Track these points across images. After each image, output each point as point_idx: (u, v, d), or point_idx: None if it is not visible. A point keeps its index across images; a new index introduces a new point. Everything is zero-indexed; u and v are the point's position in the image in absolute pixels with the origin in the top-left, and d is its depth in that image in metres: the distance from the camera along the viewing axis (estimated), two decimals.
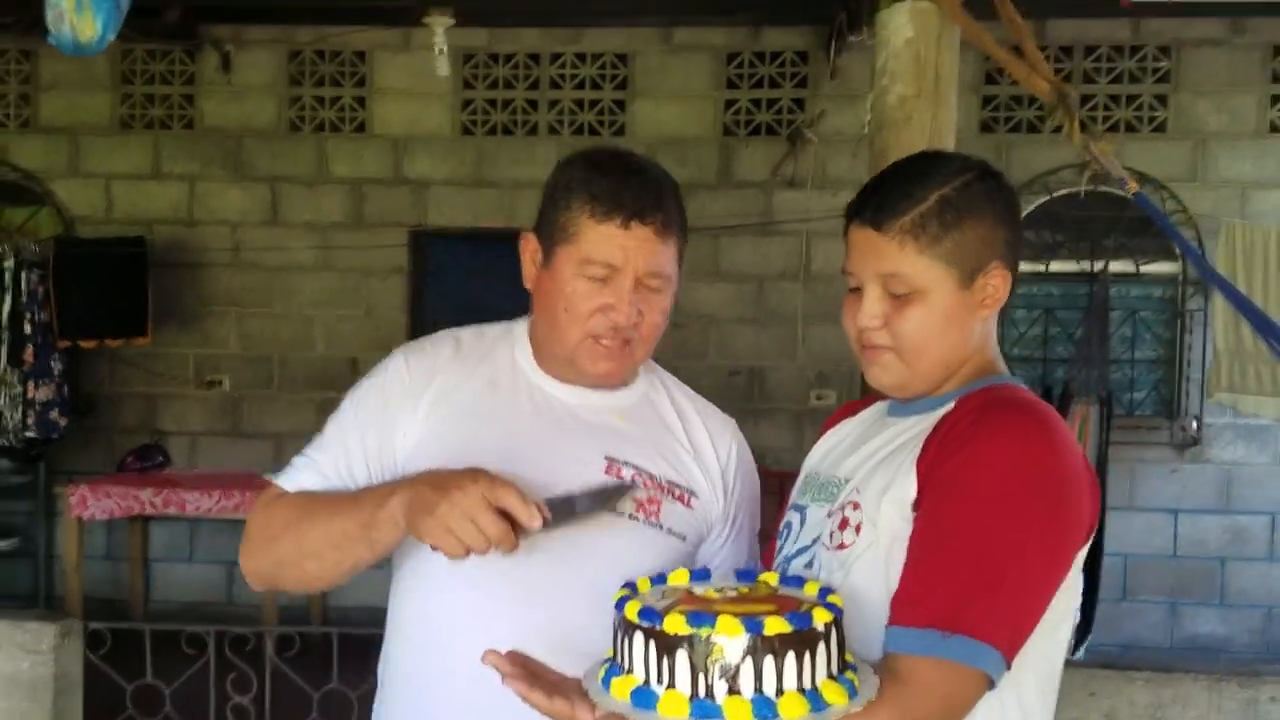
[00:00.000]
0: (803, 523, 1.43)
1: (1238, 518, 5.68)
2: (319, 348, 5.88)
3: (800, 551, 1.41)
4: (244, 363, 5.91)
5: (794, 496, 1.51)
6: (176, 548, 5.91)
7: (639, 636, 1.11)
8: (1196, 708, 2.75)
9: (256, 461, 5.66)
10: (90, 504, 5.14)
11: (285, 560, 1.46)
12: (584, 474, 1.45)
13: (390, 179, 5.84)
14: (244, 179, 5.87)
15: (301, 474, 1.50)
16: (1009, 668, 1.20)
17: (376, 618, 1.59)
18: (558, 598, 1.42)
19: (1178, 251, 5.67)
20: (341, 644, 3.02)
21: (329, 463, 1.50)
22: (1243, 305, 3.32)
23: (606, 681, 1.15)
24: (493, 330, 1.60)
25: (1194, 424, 5.64)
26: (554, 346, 1.50)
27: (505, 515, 1.26)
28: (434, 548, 1.28)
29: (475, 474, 1.28)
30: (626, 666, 1.13)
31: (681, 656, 1.08)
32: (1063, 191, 5.57)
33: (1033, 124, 5.61)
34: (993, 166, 1.37)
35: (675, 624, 1.08)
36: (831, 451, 1.50)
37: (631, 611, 1.13)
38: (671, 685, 1.08)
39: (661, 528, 1.49)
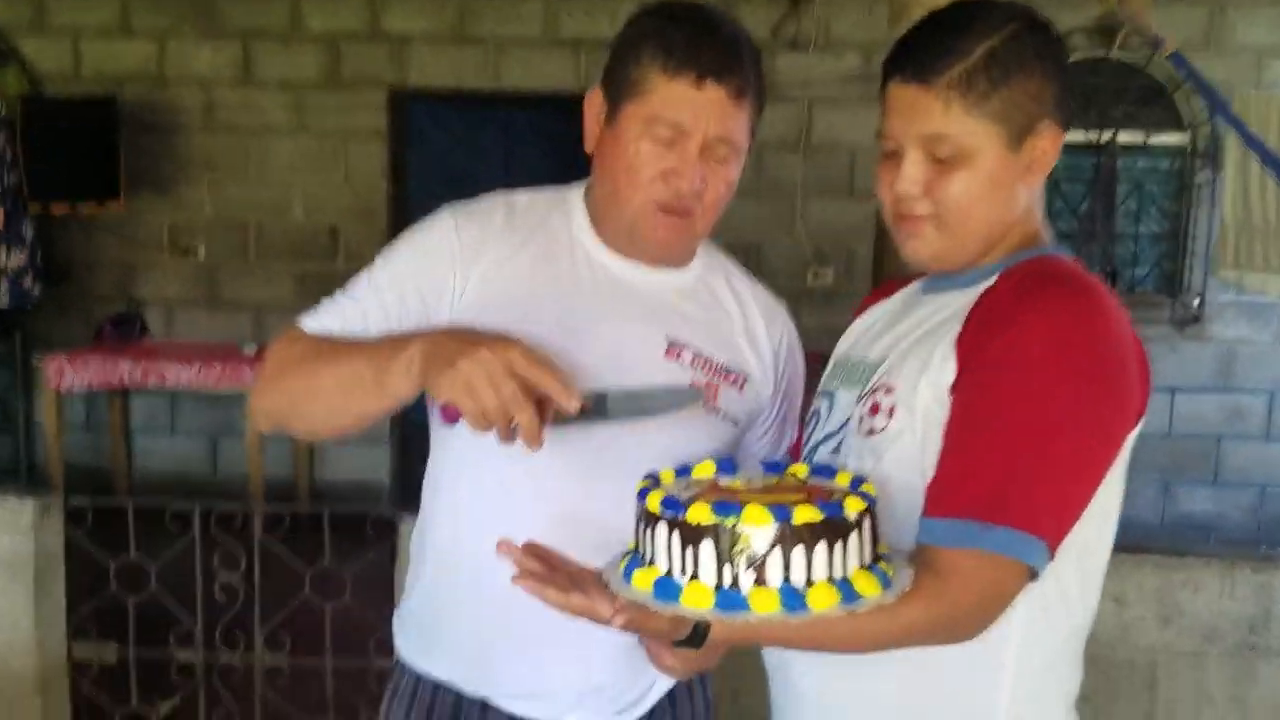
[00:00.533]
0: (831, 408, 1.37)
1: (1236, 396, 5.65)
2: (297, 215, 5.69)
3: (828, 438, 1.35)
4: (220, 230, 5.72)
5: (823, 383, 1.44)
6: (158, 420, 5.82)
7: (661, 527, 1.08)
8: (1207, 592, 2.70)
9: (234, 333, 5.56)
10: (68, 375, 5.06)
11: (295, 399, 1.39)
12: (645, 355, 1.41)
13: (367, 34, 5.56)
14: (215, 35, 5.59)
15: (326, 317, 1.42)
16: (1053, 558, 1.14)
17: (365, 492, 1.50)
18: (608, 488, 1.35)
19: (1187, 122, 5.50)
20: (332, 522, 2.93)
21: (356, 315, 1.41)
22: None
23: (628, 573, 1.11)
24: (546, 197, 1.51)
25: (1196, 301, 5.56)
26: (613, 214, 1.42)
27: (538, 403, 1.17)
28: (445, 411, 1.21)
29: (509, 339, 1.19)
30: (649, 558, 1.10)
31: (706, 547, 1.04)
32: (1073, 58, 5.35)
33: None
34: (1039, 15, 1.25)
35: (700, 513, 1.05)
36: (864, 334, 1.42)
37: (654, 502, 1.09)
38: (695, 576, 1.05)
39: (719, 413, 1.45)
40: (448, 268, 1.41)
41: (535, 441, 1.18)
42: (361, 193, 5.60)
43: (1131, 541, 3.59)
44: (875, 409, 1.26)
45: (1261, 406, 5.66)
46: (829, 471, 1.21)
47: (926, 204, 1.24)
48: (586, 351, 1.37)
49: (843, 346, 1.45)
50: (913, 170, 1.23)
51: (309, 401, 1.38)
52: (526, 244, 1.44)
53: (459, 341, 1.20)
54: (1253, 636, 2.71)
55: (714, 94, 1.33)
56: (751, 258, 5.53)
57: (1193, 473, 5.70)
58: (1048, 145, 1.23)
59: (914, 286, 1.40)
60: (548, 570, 1.17)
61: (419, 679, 1.53)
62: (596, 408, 1.24)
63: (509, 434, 1.18)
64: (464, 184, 1.58)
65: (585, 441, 1.35)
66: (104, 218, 5.56)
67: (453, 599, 1.50)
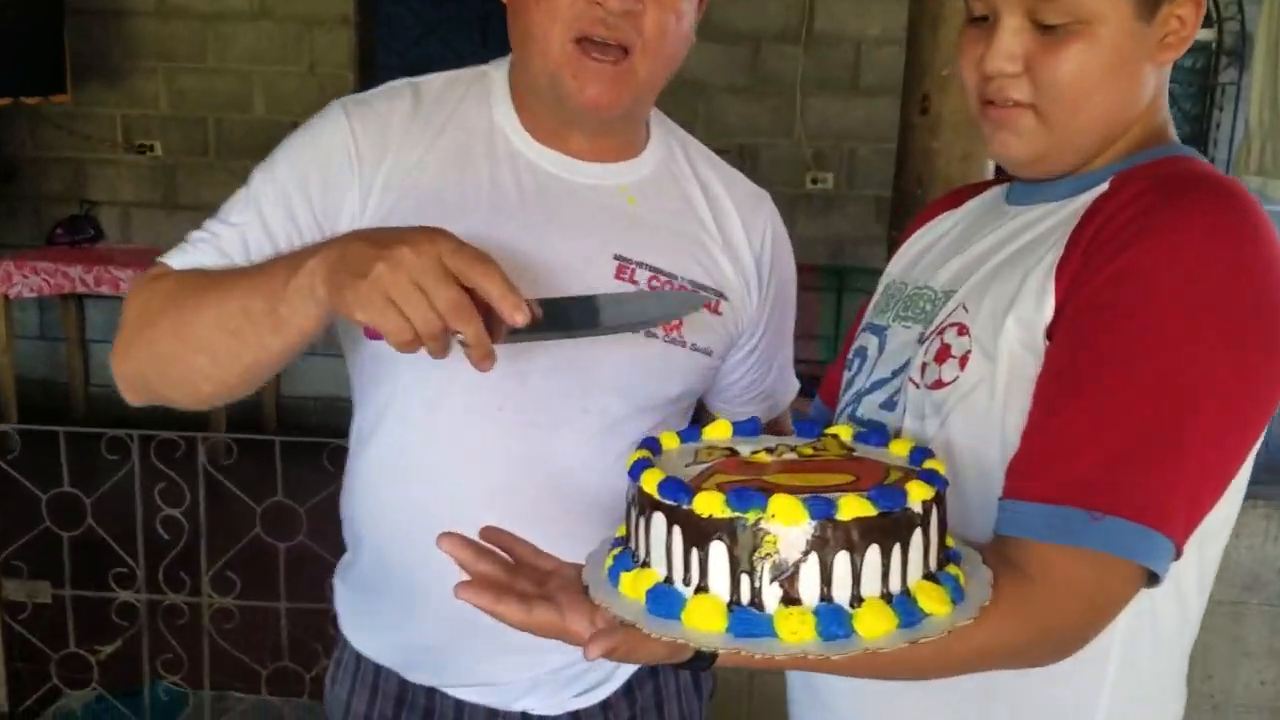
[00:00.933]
0: (881, 349, 1.13)
1: None
2: (258, 109, 5.31)
3: (877, 386, 1.11)
4: (176, 125, 5.35)
5: (868, 314, 1.21)
6: (115, 328, 5.45)
7: (659, 519, 0.82)
8: (1251, 536, 2.48)
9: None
10: (17, 281, 4.77)
11: (166, 355, 1.10)
12: (588, 278, 1.15)
13: None
14: None
15: (195, 253, 1.14)
16: (1179, 556, 0.89)
17: (339, 408, 1.24)
18: (549, 434, 1.15)
19: (1214, 17, 5.16)
20: (285, 451, 2.66)
21: (234, 241, 1.14)
22: None
23: (615, 575, 0.87)
24: (462, 79, 1.23)
25: None
26: (531, 71, 1.15)
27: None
28: (368, 333, 0.94)
29: (438, 232, 0.94)
30: (642, 556, 0.85)
31: (718, 550, 0.79)
32: None
33: None
34: None
35: (710, 504, 0.80)
36: (925, 254, 1.16)
37: (650, 483, 0.83)
38: (703, 588, 0.81)
39: (685, 344, 1.20)
40: (344, 176, 1.14)
41: (487, 359, 0.93)
42: (328, 84, 5.22)
43: None
44: (943, 354, 1.01)
45: None
46: (880, 436, 0.96)
47: (1026, 87, 0.98)
48: (518, 272, 1.07)
49: (896, 268, 1.19)
50: (1010, 42, 0.98)
51: (185, 355, 1.08)
52: (439, 141, 1.17)
53: (371, 244, 0.93)
54: None
55: None
56: (747, 160, 5.22)
57: None
58: (1188, 14, 0.98)
59: (994, 194, 1.14)
60: (505, 572, 0.89)
61: (360, 656, 1.31)
62: (554, 318, 0.97)
63: (445, 349, 0.94)
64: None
65: (519, 386, 1.10)
66: (51, 111, 5.18)
67: (375, 578, 1.26)
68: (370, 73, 5.33)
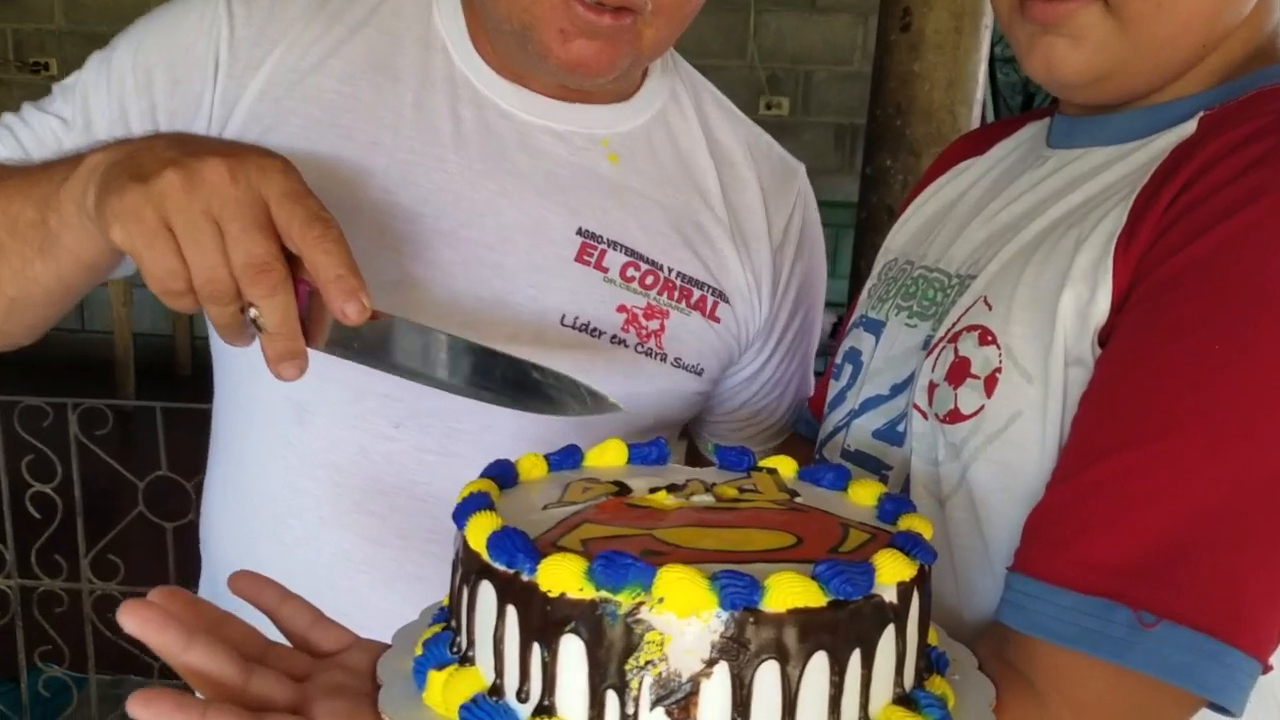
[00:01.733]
0: (874, 352, 0.87)
1: None
2: None
3: (870, 406, 0.84)
4: (74, 41, 5.01)
5: (861, 302, 0.93)
6: None
7: (487, 593, 0.56)
8: None
9: None
10: None
11: None
12: (541, 257, 0.90)
13: None
14: None
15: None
16: (1265, 672, 0.64)
17: None
18: (461, 465, 0.81)
19: None
20: (172, 418, 2.36)
21: (47, 136, 0.90)
22: None
23: (423, 671, 0.60)
24: None
25: None
26: (496, 9, 0.87)
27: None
28: (139, 266, 0.70)
29: (278, 160, 0.70)
30: (464, 646, 0.59)
31: (573, 650, 0.53)
32: None
33: None
34: None
35: (563, 574, 0.53)
36: (942, 220, 0.89)
37: (477, 535, 0.57)
38: (548, 709, 0.54)
39: (665, 358, 0.94)
40: (203, 73, 0.88)
41: (290, 360, 0.68)
42: None
43: None
44: (959, 372, 0.74)
45: None
46: (838, 477, 0.70)
47: None
48: (442, 249, 0.87)
49: (897, 240, 0.92)
50: None
51: None
52: (351, 39, 0.90)
53: (177, 146, 0.69)
54: None
55: None
56: None
57: None
58: None
59: (1031, 133, 0.87)
60: (235, 666, 0.57)
61: None
62: (396, 342, 0.70)
63: (238, 328, 0.69)
64: None
65: (427, 411, 0.86)
66: None
67: None
68: None
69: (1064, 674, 0.64)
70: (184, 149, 0.69)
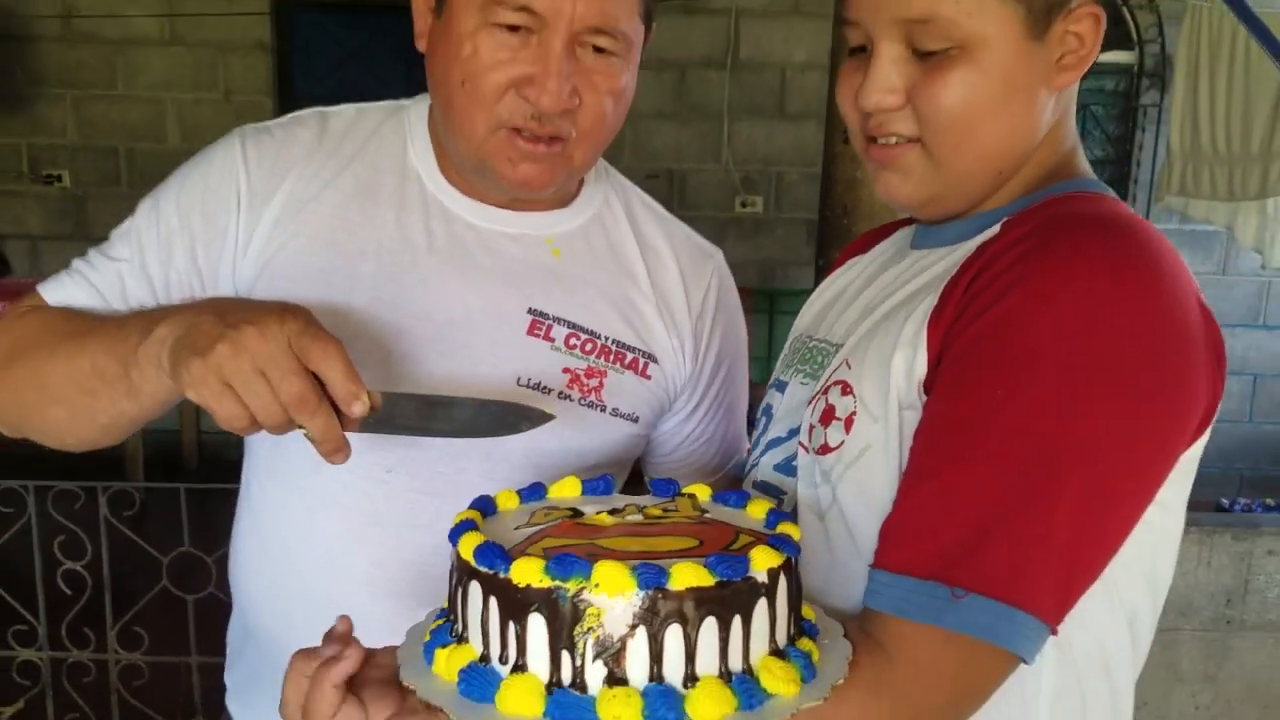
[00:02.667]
0: (781, 406, 1.05)
1: None
2: (172, 138, 5.18)
3: (773, 445, 1.03)
4: (86, 155, 5.20)
5: (777, 368, 1.11)
6: None
7: (475, 589, 0.76)
8: (1185, 562, 2.46)
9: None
10: None
11: (25, 402, 1.04)
12: (499, 334, 1.07)
13: None
14: None
15: (71, 285, 1.08)
16: (1054, 633, 0.82)
17: None
18: (442, 503, 1.02)
19: (1135, 39, 5.25)
20: (195, 497, 2.54)
21: (110, 278, 1.07)
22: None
23: (430, 650, 0.79)
24: (376, 111, 1.14)
25: None
26: (455, 144, 1.05)
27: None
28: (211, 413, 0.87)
29: (289, 311, 0.87)
30: (460, 630, 0.79)
31: (537, 624, 0.73)
32: None
33: None
34: None
35: (528, 571, 0.73)
36: (831, 304, 1.06)
37: (467, 548, 0.77)
38: (521, 666, 0.74)
39: (604, 408, 1.11)
40: (229, 211, 1.06)
41: (338, 452, 0.86)
42: (244, 111, 5.09)
43: None
44: (828, 415, 0.92)
45: None
46: (739, 497, 0.90)
47: (908, 121, 0.89)
48: (420, 329, 1.03)
49: (804, 320, 1.10)
50: (888, 72, 0.89)
51: (44, 405, 1.02)
52: (342, 174, 1.08)
53: (218, 318, 0.86)
54: (1229, 610, 2.49)
55: None
56: (675, 186, 5.22)
57: None
58: (1086, 31, 0.88)
59: (902, 235, 1.05)
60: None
61: None
62: (395, 413, 0.90)
63: (284, 431, 0.87)
64: (359, 101, 1.19)
65: (413, 447, 1.02)
66: None
67: (256, 653, 1.17)
68: (289, 99, 5.22)
69: (905, 638, 0.81)
70: (225, 321, 0.86)
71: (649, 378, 1.13)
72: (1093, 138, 5.41)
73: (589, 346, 1.10)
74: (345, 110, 1.13)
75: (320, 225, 1.05)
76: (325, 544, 1.08)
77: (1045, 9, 0.86)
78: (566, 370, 1.08)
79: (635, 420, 1.13)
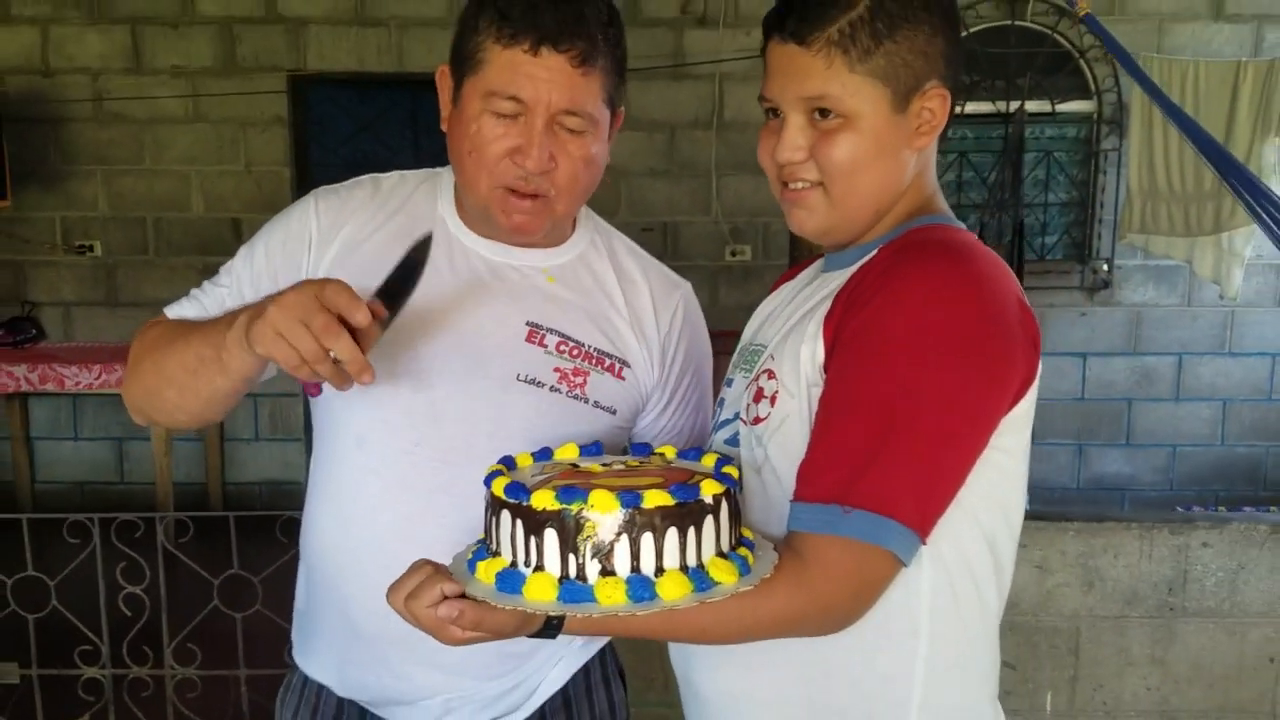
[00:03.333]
0: (728, 396, 1.33)
1: (1145, 359, 5.75)
2: (196, 207, 5.48)
3: (723, 425, 1.30)
4: (116, 226, 5.48)
5: (728, 370, 1.38)
6: (60, 425, 5.57)
7: (505, 515, 1.04)
8: (1128, 555, 2.73)
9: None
10: None
11: (150, 388, 1.35)
12: (503, 340, 1.36)
13: (263, 17, 5.35)
14: (102, 20, 5.33)
15: (186, 305, 1.42)
16: (924, 542, 1.10)
17: (280, 492, 1.45)
18: (458, 470, 1.31)
19: (1093, 89, 5.57)
20: (239, 526, 2.81)
21: (214, 302, 1.40)
22: (1189, 128, 3.23)
23: (472, 565, 1.07)
24: (415, 177, 1.45)
25: (1105, 266, 5.64)
26: (467, 197, 1.36)
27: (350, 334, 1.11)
28: (306, 388, 1.20)
29: (324, 279, 1.14)
30: (494, 547, 1.06)
31: (550, 536, 1.00)
32: (980, 26, 5.38)
33: None
34: None
35: (543, 499, 1.00)
36: (766, 318, 1.35)
37: (498, 487, 1.05)
38: (540, 567, 1.01)
39: (587, 401, 1.38)
40: (303, 248, 1.37)
41: (365, 371, 1.11)
42: (264, 183, 5.42)
43: (1049, 505, 3.56)
44: (759, 395, 1.21)
45: (1170, 369, 5.76)
46: (695, 454, 1.17)
47: (812, 170, 1.17)
48: (441, 336, 1.33)
49: (747, 332, 1.39)
50: (795, 135, 1.17)
51: (161, 390, 1.34)
52: (387, 223, 1.38)
53: (275, 294, 1.15)
54: (1171, 598, 2.74)
55: (553, 61, 1.25)
56: (669, 237, 5.49)
57: (1105, 435, 5.80)
58: (936, 106, 1.17)
59: (817, 264, 1.35)
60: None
61: (305, 676, 1.50)
62: (386, 303, 1.15)
63: (339, 374, 1.11)
64: (367, 169, 1.52)
65: (433, 427, 1.31)
66: None
67: (316, 599, 1.46)
68: (305, 169, 5.52)
69: (816, 546, 1.07)
70: (277, 293, 1.13)
71: (623, 379, 1.41)
72: (1057, 181, 5.71)
73: (575, 352, 1.37)
74: (392, 175, 1.45)
75: (368, 260, 1.33)
76: (368, 500, 1.36)
77: (905, 91, 1.14)
78: (556, 369, 1.36)
79: (614, 413, 1.41)
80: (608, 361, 1.40)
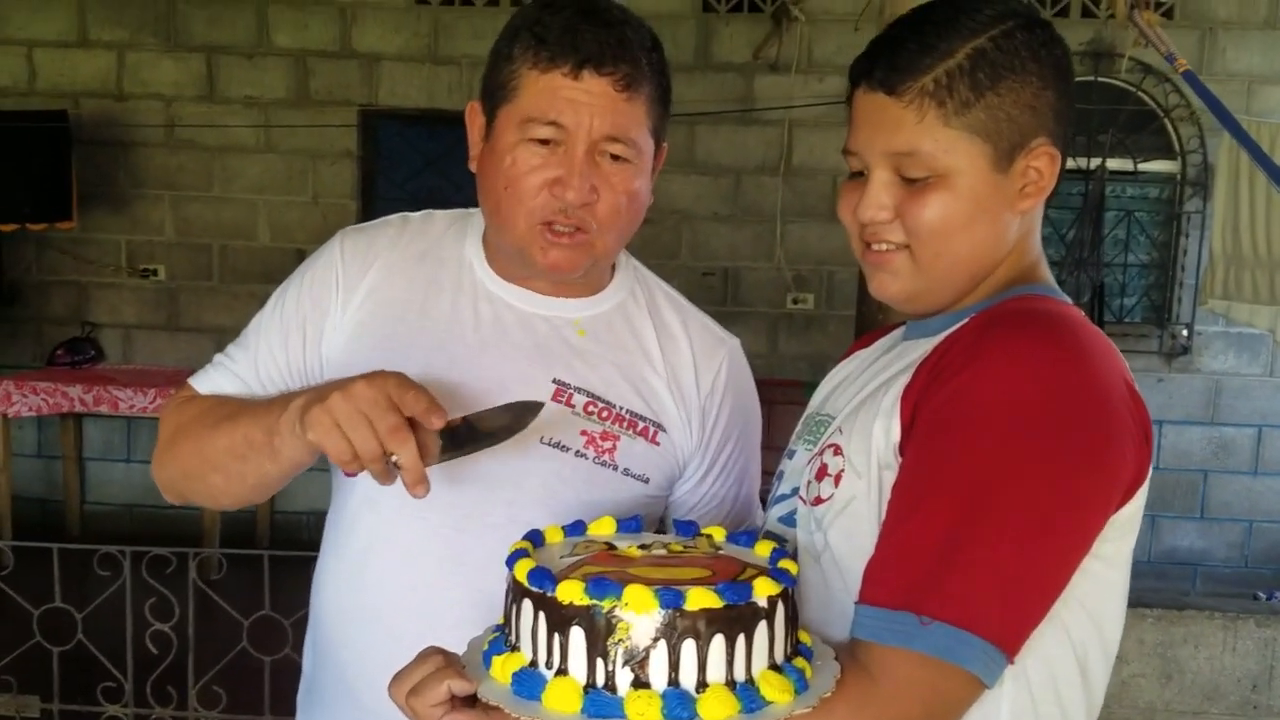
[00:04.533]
0: (789, 469, 1.20)
1: (1223, 429, 5.52)
2: (262, 236, 5.50)
3: (779, 501, 1.18)
4: (181, 251, 5.52)
5: (791, 440, 1.24)
6: (113, 447, 5.60)
7: (527, 605, 0.91)
8: (1210, 647, 2.55)
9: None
10: (16, 400, 4.85)
11: (190, 472, 1.28)
12: (526, 398, 1.21)
13: (337, 51, 5.39)
14: (177, 48, 5.40)
15: (216, 375, 1.33)
16: (1011, 662, 0.95)
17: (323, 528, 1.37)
18: (472, 539, 1.23)
19: (1177, 150, 5.39)
20: (274, 565, 2.74)
21: (247, 365, 1.32)
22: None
23: (487, 659, 0.95)
24: (445, 217, 1.37)
25: (1184, 332, 5.43)
26: (501, 238, 1.26)
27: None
28: (325, 453, 1.07)
29: (391, 372, 1.08)
30: (514, 640, 0.94)
31: (577, 635, 0.87)
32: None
33: None
34: (1039, 14, 1.07)
35: (571, 591, 0.87)
36: (837, 386, 1.22)
37: (521, 572, 0.92)
38: (564, 671, 0.88)
39: (616, 468, 1.27)
40: (330, 293, 1.30)
41: (420, 483, 1.04)
42: (330, 214, 5.42)
43: (1152, 600, 3.39)
44: (822, 473, 1.08)
45: (1249, 440, 5.52)
46: (749, 537, 1.05)
47: (897, 231, 1.05)
48: (462, 389, 1.23)
49: (815, 399, 1.27)
50: (880, 193, 1.05)
51: (204, 472, 1.26)
52: (415, 265, 1.31)
53: (337, 383, 1.07)
54: (1255, 695, 2.55)
55: (595, 85, 1.16)
56: (730, 282, 5.40)
57: (1179, 508, 5.55)
58: (1044, 166, 1.05)
59: (897, 332, 1.22)
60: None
61: None
62: (458, 434, 1.08)
63: (387, 474, 1.05)
64: (433, 204, 1.44)
65: (449, 492, 1.20)
66: (57, 237, 5.35)
67: (319, 663, 1.36)
68: (371, 202, 5.52)
69: (884, 661, 0.94)
70: (342, 382, 1.07)
71: (658, 444, 1.29)
72: (1138, 243, 5.52)
73: (605, 414, 1.27)
74: (421, 214, 1.36)
75: (392, 305, 1.27)
76: (375, 569, 1.27)
77: (1009, 148, 1.02)
78: (584, 433, 1.25)
79: (646, 481, 1.29)
80: (641, 424, 1.29)
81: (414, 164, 5.55)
